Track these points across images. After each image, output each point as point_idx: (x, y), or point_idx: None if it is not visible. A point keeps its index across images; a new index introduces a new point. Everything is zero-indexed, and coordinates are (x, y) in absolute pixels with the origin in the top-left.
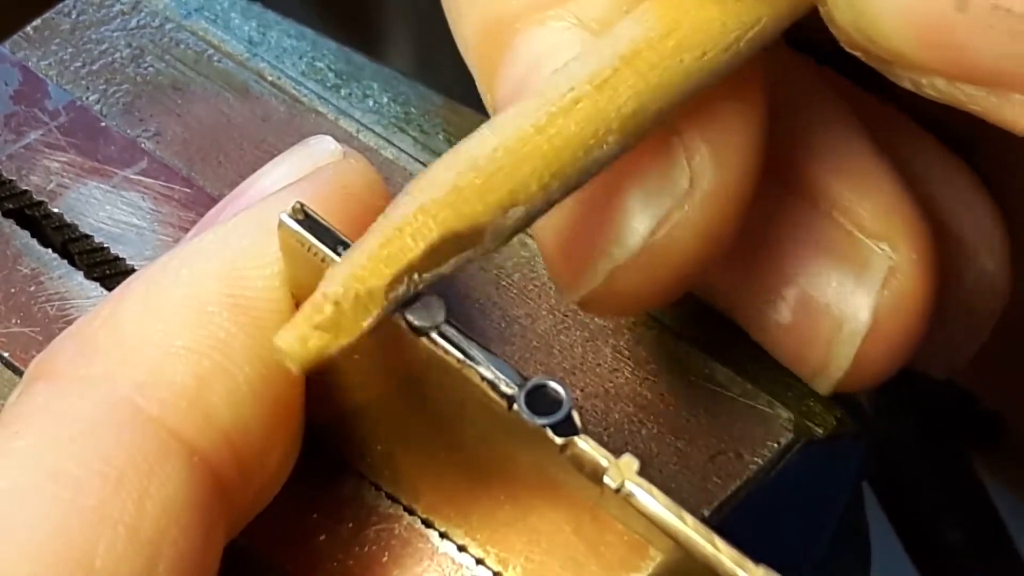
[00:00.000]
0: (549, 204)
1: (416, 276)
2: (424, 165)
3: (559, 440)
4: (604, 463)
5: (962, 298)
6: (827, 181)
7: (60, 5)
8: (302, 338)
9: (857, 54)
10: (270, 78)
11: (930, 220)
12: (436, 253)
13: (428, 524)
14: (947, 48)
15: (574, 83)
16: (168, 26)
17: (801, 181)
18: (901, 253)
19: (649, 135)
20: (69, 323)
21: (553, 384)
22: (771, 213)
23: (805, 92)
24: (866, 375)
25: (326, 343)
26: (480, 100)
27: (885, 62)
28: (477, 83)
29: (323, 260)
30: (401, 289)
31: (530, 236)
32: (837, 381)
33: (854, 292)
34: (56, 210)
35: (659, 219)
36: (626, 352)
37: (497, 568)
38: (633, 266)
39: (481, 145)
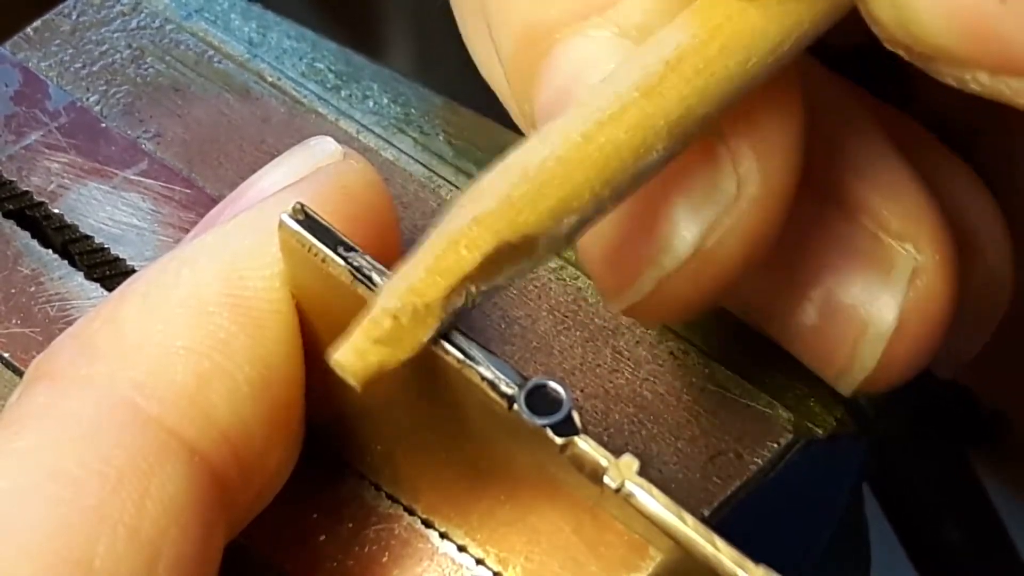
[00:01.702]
0: (602, 212)
1: (472, 288)
2: (424, 166)
3: (559, 440)
4: (604, 463)
5: (969, 296)
6: (853, 184)
7: (60, 6)
8: (361, 353)
9: (899, 52)
10: (270, 79)
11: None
12: (491, 264)
13: (428, 524)
14: (990, 41)
15: (621, 91)
16: (168, 27)
17: (827, 184)
18: (926, 254)
19: (695, 141)
20: (69, 324)
21: (553, 384)
22: (797, 216)
23: (829, 98)
24: (890, 375)
25: (385, 357)
26: (480, 100)
27: (928, 59)
28: (511, 93)
29: (323, 260)
30: (458, 301)
31: None
32: (861, 382)
33: (880, 293)
34: (56, 211)
35: (708, 226)
36: (626, 352)
37: (497, 568)
38: (682, 274)
39: (531, 155)
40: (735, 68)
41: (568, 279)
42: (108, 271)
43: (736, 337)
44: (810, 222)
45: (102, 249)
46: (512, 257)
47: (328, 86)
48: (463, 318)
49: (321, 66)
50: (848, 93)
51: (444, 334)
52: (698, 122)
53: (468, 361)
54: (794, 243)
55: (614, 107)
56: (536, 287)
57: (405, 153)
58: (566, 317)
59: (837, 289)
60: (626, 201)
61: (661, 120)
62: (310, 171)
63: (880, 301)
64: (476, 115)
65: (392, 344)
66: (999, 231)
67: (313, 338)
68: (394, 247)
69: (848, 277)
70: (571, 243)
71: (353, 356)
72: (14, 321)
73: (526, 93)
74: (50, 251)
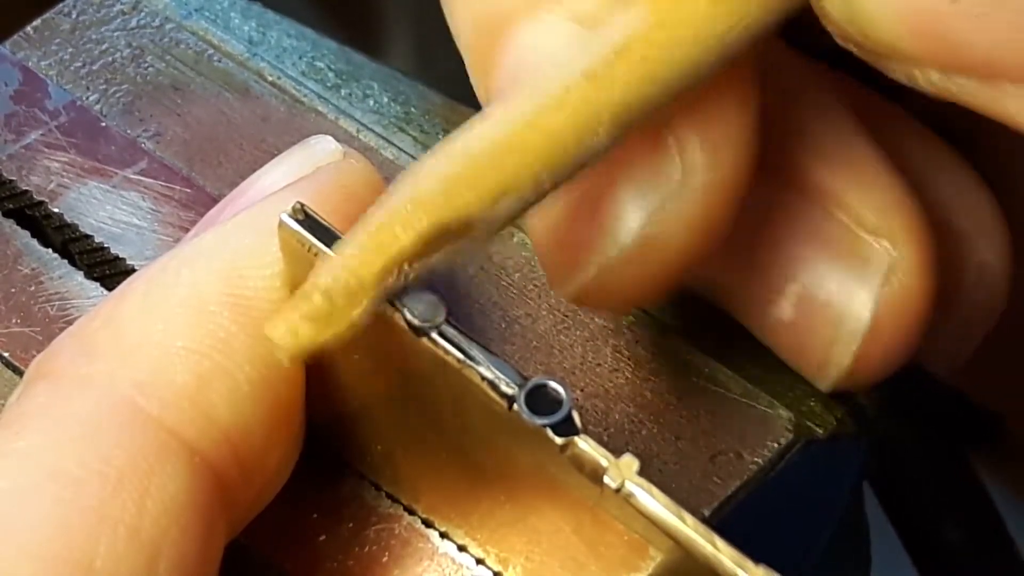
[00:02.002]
0: (540, 195)
1: (407, 267)
2: None
3: (559, 440)
4: (604, 463)
5: (964, 292)
6: (828, 178)
7: (60, 5)
8: (292, 328)
9: (851, 48)
10: (270, 78)
11: (929, 217)
12: (426, 244)
13: (428, 524)
14: (940, 39)
15: (566, 75)
16: (168, 26)
17: (801, 178)
18: (901, 250)
19: (641, 128)
20: (69, 323)
21: (553, 384)
22: (772, 210)
23: (804, 90)
24: (867, 372)
25: (316, 334)
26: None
27: (879, 56)
28: (472, 78)
29: None
30: (391, 280)
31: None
32: (837, 378)
33: (854, 289)
34: (56, 210)
35: (651, 214)
36: (626, 352)
37: (497, 568)
38: (625, 261)
39: (471, 137)
40: (682, 57)
41: None
42: (108, 270)
43: (737, 337)
44: (785, 216)
45: (102, 248)
46: (448, 237)
47: (328, 85)
48: (453, 312)
49: (321, 65)
50: (824, 83)
51: (442, 332)
52: (643, 110)
53: (468, 361)
54: (769, 238)
55: (558, 92)
56: (536, 287)
57: (405, 152)
58: (566, 317)
59: (812, 285)
60: (573, 185)
61: (604, 106)
62: (310, 170)
63: (855, 298)
64: (476, 114)
65: (323, 321)
66: (994, 225)
67: None
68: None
69: (823, 273)
70: (508, 226)
71: (283, 330)
72: (14, 320)
73: (483, 78)
74: (50, 250)
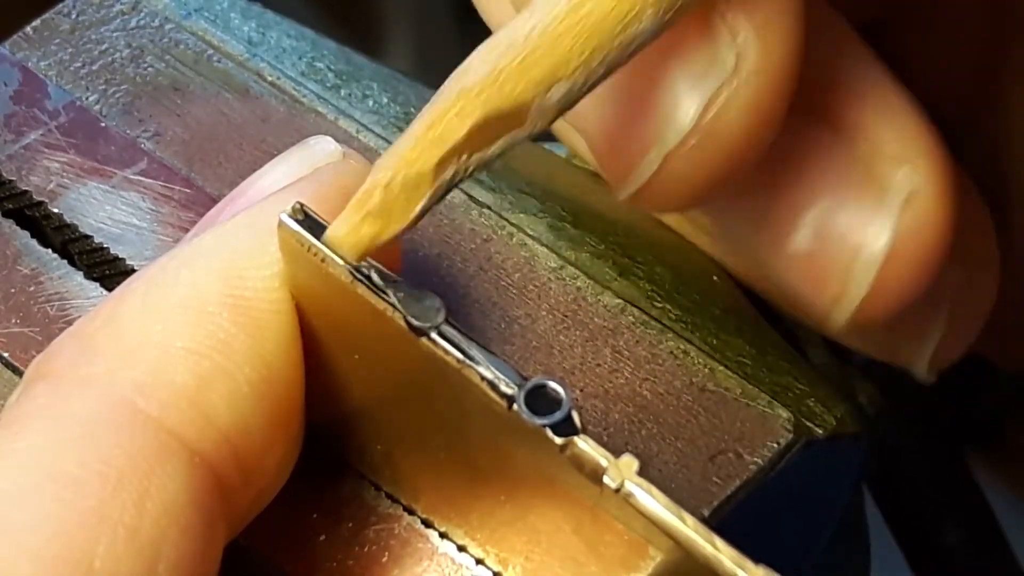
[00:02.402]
0: (591, 83)
1: (464, 158)
2: None
3: (559, 440)
4: (604, 463)
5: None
6: (849, 106)
7: (60, 5)
8: (354, 227)
9: None
10: (270, 78)
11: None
12: (481, 133)
13: (428, 524)
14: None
15: None
16: (168, 26)
17: (822, 107)
18: (922, 176)
19: (688, 11)
20: (69, 323)
21: (553, 384)
22: (792, 139)
23: (826, 22)
24: (884, 304)
25: (379, 230)
26: None
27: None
28: None
29: (323, 260)
30: (450, 172)
31: (530, 233)
32: (854, 311)
33: (873, 216)
34: (56, 210)
35: (708, 99)
36: (626, 352)
37: (497, 568)
38: (686, 150)
39: (518, 27)
40: None
41: (568, 279)
42: (107, 271)
43: (736, 337)
44: (805, 145)
45: (101, 248)
46: (502, 127)
47: (328, 85)
48: (453, 312)
49: (321, 65)
50: (843, 20)
51: (442, 332)
52: None
53: (468, 361)
54: (788, 166)
55: None
56: (536, 287)
57: None
58: (566, 317)
59: (831, 213)
60: (625, 80)
61: None
62: (309, 171)
63: (874, 224)
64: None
65: (384, 216)
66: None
67: (313, 338)
68: (394, 246)
69: (842, 200)
70: (562, 114)
71: (346, 230)
72: (13, 321)
73: None
74: (49, 250)
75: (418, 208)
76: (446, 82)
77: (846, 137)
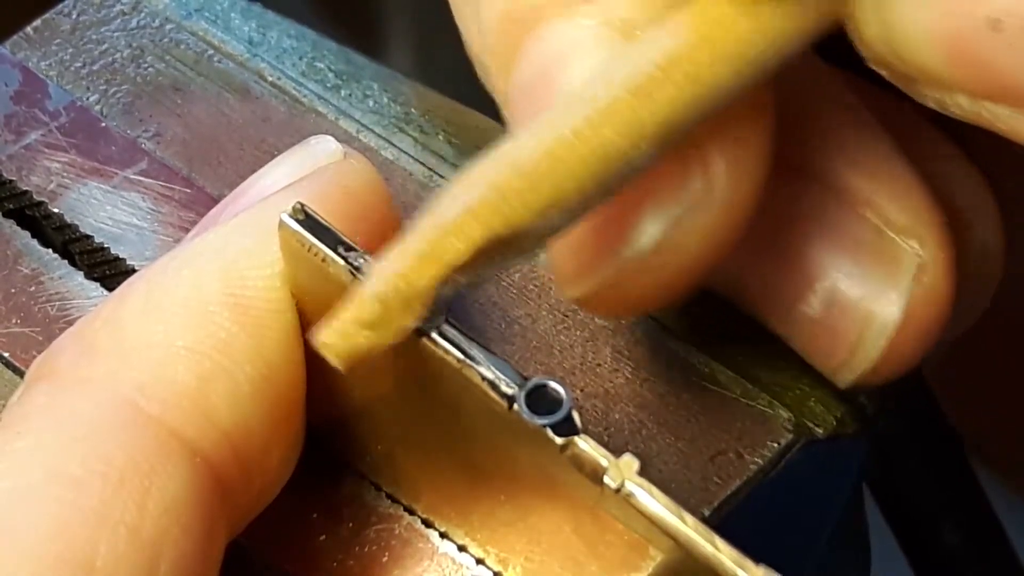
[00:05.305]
0: (586, 209)
1: (458, 276)
2: (424, 165)
3: (559, 440)
4: (604, 463)
5: (966, 272)
6: (857, 180)
7: (60, 5)
8: (346, 335)
9: (881, 70)
10: (270, 78)
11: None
12: (479, 255)
13: (428, 524)
14: (976, 66)
15: (612, 90)
16: (168, 27)
17: (830, 180)
18: (929, 251)
19: (678, 144)
20: (70, 323)
21: (553, 384)
22: (801, 211)
23: (829, 93)
24: (890, 368)
25: (370, 341)
26: (480, 100)
27: (910, 79)
28: (489, 70)
29: (323, 260)
30: (445, 289)
31: None
32: (860, 375)
33: (884, 288)
34: (56, 210)
35: (671, 223)
36: (626, 352)
37: (497, 568)
38: (640, 266)
39: (523, 149)
40: (724, 76)
41: None
42: (108, 271)
43: (737, 336)
44: (816, 216)
45: (102, 249)
46: (500, 249)
47: (328, 85)
48: (453, 312)
49: (321, 65)
50: (849, 88)
51: (442, 332)
52: (685, 125)
53: (468, 361)
54: (799, 237)
55: (605, 106)
56: (536, 287)
57: (405, 153)
58: (566, 317)
59: (842, 283)
60: None
61: (650, 122)
62: (310, 171)
63: (885, 296)
64: (476, 115)
65: (378, 328)
66: (990, 199)
67: None
68: None
69: (853, 271)
70: (557, 236)
71: (338, 338)
72: (14, 321)
73: (504, 68)
74: (50, 251)
75: (410, 323)
76: (448, 195)
77: (855, 210)
